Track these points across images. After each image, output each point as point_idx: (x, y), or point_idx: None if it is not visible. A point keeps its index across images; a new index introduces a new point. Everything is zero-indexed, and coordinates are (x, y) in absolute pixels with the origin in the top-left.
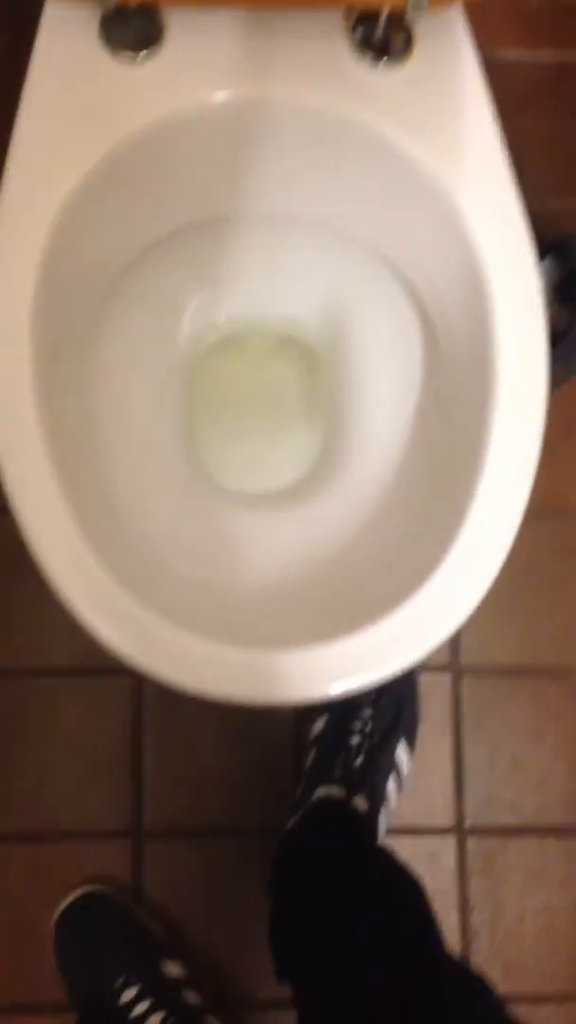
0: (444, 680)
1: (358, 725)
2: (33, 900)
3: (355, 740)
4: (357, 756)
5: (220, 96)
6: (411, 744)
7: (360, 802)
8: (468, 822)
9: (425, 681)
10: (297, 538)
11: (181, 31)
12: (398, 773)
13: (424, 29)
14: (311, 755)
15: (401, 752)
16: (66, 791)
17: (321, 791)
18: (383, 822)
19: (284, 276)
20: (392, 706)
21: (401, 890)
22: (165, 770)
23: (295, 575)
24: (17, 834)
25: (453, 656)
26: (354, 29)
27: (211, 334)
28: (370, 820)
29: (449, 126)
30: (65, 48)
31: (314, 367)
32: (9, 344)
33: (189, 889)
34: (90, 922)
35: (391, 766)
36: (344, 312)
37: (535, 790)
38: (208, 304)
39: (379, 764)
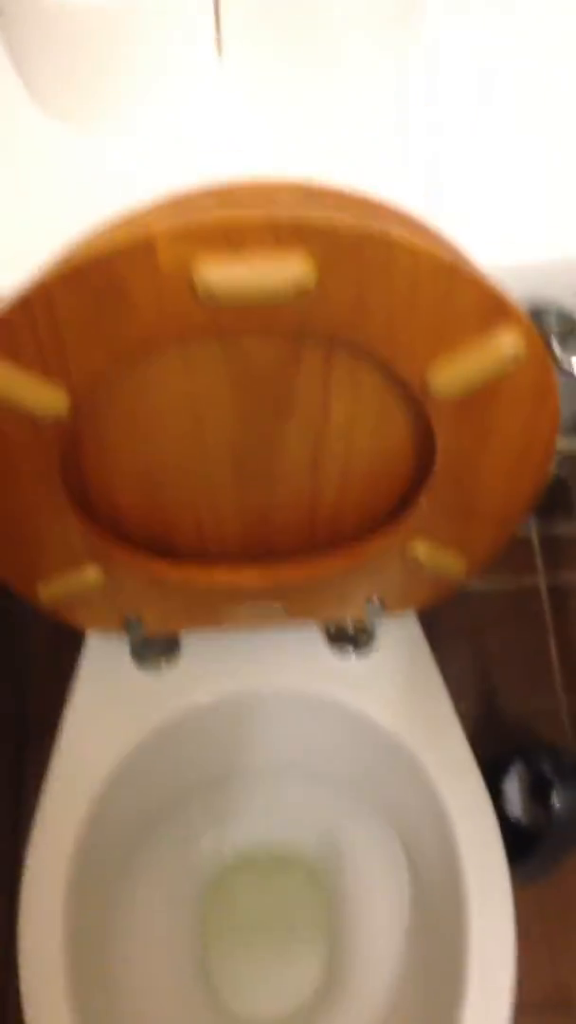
0: None
1: None
2: None
3: None
4: None
5: (225, 693)
6: None
7: None
8: None
9: None
10: None
11: (194, 644)
12: None
13: (385, 628)
14: None
15: None
16: None
17: None
18: None
19: (284, 810)
20: None
21: None
22: None
23: None
24: None
25: None
26: (329, 631)
27: (221, 863)
28: None
29: (411, 700)
30: (103, 665)
31: (317, 889)
32: (45, 893)
33: None
34: None
35: None
36: (339, 841)
37: None
38: (218, 836)
39: None
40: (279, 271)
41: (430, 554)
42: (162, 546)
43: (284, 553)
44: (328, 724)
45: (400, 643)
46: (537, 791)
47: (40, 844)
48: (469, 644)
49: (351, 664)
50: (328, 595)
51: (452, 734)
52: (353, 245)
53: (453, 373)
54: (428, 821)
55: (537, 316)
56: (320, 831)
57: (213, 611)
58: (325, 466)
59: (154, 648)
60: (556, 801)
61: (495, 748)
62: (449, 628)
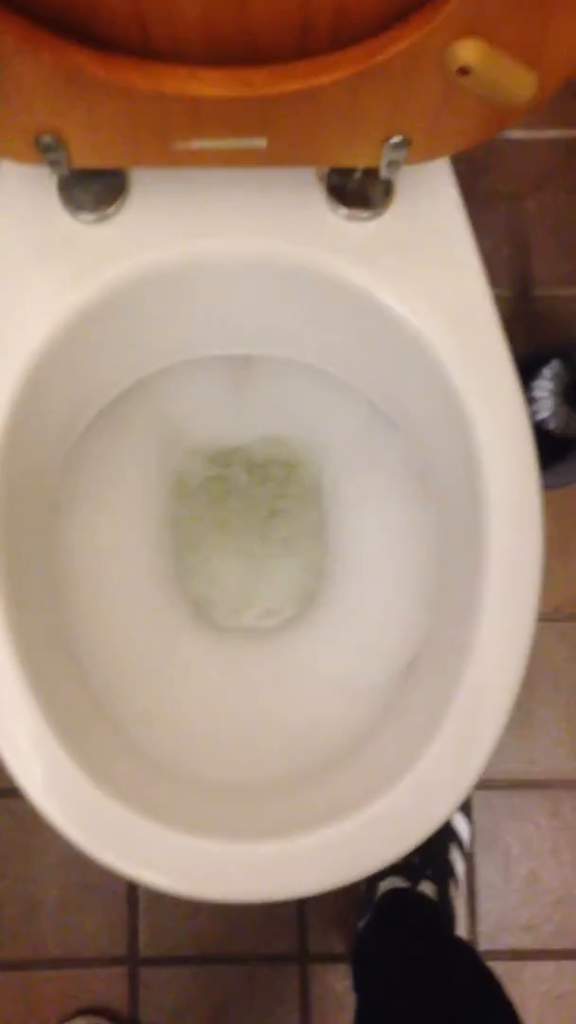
0: None
1: None
2: None
3: None
4: None
5: (186, 251)
6: (466, 808)
7: (427, 887)
8: (482, 946)
9: None
10: (284, 686)
11: (147, 185)
12: (459, 842)
13: (408, 182)
14: None
15: (458, 819)
16: (59, 916)
17: (384, 885)
18: (454, 895)
19: (267, 405)
20: None
21: (491, 997)
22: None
23: (278, 732)
24: (8, 961)
25: None
26: (328, 180)
27: (194, 464)
28: (443, 904)
29: (428, 274)
30: (22, 209)
31: (302, 497)
32: None
33: (189, 1015)
34: None
35: (450, 836)
36: (327, 439)
37: (553, 910)
38: (183, 430)
39: (436, 840)
40: None
41: (483, 61)
42: (83, 33)
43: (267, 58)
44: (320, 303)
45: (427, 204)
46: (572, 394)
47: None
48: (505, 213)
49: (359, 228)
50: (331, 124)
51: (483, 327)
52: None
53: None
54: (443, 419)
55: None
56: (306, 425)
57: (164, 141)
58: None
59: (92, 188)
60: None
61: (530, 342)
62: (479, 192)
